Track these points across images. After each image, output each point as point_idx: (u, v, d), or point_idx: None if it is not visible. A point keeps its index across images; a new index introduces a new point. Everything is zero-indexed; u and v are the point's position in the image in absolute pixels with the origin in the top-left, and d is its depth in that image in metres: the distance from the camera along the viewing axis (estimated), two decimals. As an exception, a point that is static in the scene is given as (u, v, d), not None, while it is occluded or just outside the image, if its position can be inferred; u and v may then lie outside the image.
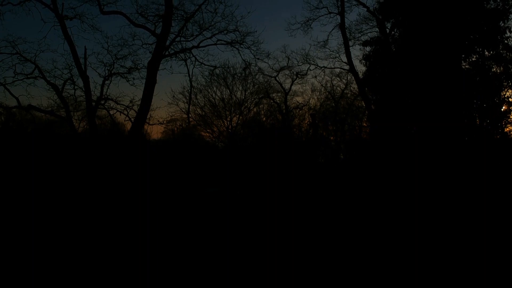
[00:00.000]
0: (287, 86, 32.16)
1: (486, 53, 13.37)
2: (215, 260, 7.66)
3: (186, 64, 25.95)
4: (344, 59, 24.60)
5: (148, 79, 17.09)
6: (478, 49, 13.21)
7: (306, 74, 30.69)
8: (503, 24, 13.28)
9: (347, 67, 24.05)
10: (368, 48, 14.98)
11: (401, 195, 12.38)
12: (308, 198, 13.20)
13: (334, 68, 27.89)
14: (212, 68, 23.03)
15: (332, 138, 32.73)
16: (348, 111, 33.54)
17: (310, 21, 22.91)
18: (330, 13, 22.04)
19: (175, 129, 36.55)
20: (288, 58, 34.04)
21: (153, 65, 17.06)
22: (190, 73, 33.66)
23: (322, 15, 22.28)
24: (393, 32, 14.99)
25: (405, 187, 12.68)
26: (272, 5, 56.83)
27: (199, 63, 22.68)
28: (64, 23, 18.35)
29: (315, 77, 34.36)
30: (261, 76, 33.19)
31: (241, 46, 19.17)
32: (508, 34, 13.19)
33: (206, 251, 8.24)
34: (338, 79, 31.17)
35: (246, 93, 28.39)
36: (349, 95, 32.68)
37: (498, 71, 13.48)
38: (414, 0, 14.04)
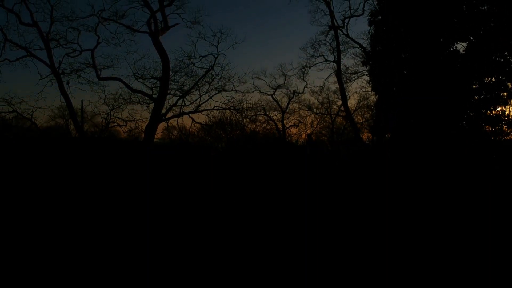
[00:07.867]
0: (283, 105, 32.16)
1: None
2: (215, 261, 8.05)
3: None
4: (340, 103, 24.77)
5: (146, 142, 17.32)
6: None
7: (301, 92, 30.61)
8: None
9: (342, 112, 24.25)
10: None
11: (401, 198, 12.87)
12: (309, 203, 13.75)
13: (331, 114, 27.92)
14: (210, 124, 23.05)
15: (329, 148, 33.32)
16: (344, 127, 33.92)
17: (306, 68, 22.98)
18: (326, 60, 22.07)
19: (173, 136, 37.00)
20: (285, 76, 33.97)
21: (151, 129, 17.25)
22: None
23: (318, 62, 22.32)
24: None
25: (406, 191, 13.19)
26: (269, 14, 55.87)
27: (196, 122, 22.74)
28: (60, 79, 18.38)
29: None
30: (258, 93, 33.26)
31: (238, 111, 19.28)
32: None
33: (204, 253, 8.62)
34: (336, 95, 31.25)
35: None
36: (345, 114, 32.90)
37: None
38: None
